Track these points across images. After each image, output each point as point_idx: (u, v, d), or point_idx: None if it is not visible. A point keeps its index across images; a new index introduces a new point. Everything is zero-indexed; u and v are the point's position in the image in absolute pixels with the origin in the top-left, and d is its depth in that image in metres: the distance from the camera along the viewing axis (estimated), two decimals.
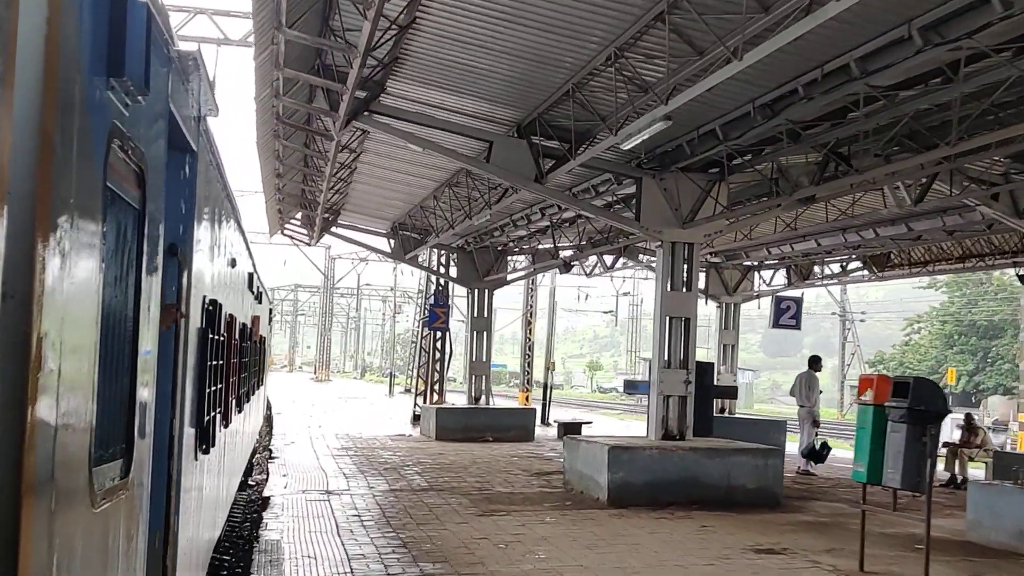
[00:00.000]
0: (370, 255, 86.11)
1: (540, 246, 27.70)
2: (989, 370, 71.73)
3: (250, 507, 16.16)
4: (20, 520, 1.93)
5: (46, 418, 2.10)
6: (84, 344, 2.47)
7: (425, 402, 32.17)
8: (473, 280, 27.94)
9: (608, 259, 28.72)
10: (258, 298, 14.11)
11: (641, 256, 27.94)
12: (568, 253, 27.34)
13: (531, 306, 37.96)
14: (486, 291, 28.04)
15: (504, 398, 60.79)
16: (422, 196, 22.80)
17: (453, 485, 17.19)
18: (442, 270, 29.31)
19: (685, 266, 15.69)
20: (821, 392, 20.84)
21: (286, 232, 28.37)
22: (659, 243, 15.79)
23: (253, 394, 14.68)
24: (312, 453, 22.54)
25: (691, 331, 15.70)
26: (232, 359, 8.57)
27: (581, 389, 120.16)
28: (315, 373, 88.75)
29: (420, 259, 29.47)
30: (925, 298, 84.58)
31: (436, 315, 29.35)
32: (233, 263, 7.96)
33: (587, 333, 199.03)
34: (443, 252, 29.02)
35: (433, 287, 30.21)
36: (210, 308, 5.84)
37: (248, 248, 10.77)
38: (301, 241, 28.82)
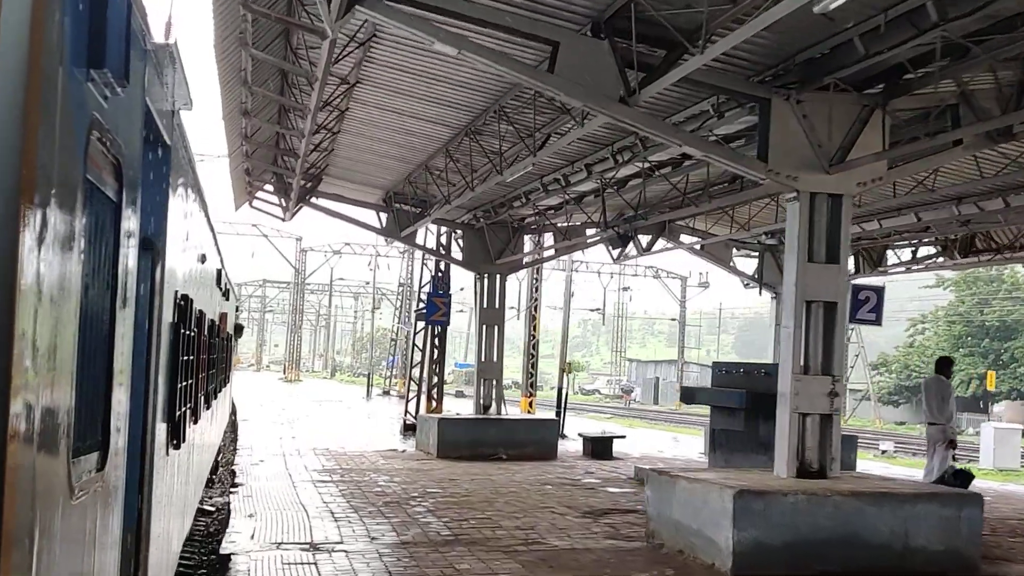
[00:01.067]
0: (344, 247, 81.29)
1: (565, 223, 22.81)
2: (1002, 373, 67.72)
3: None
4: (3, 509, 1.93)
5: (28, 407, 2.08)
6: (63, 336, 2.44)
7: (417, 409, 27.32)
8: (483, 263, 23.04)
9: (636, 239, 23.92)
10: (225, 295, 13.96)
11: (683, 237, 23.20)
12: (592, 231, 22.59)
13: (536, 299, 33.18)
14: (497, 276, 23.16)
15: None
16: (430, 151, 17.92)
17: (486, 534, 12.38)
18: (448, 253, 24.37)
19: (828, 228, 10.98)
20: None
21: (255, 205, 23.39)
22: (792, 195, 11.03)
23: (219, 392, 14.33)
24: (287, 478, 17.66)
25: (838, 322, 10.98)
26: (201, 355, 8.35)
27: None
28: (284, 373, 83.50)
29: (417, 237, 24.49)
30: (900, 295, 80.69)
31: (435, 306, 24.45)
32: (203, 259, 7.93)
33: (559, 333, 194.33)
34: (445, 230, 24.14)
35: (431, 273, 25.27)
36: (181, 303, 5.78)
37: (216, 243, 10.61)
38: (274, 216, 23.80)
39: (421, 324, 27.16)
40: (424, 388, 26.07)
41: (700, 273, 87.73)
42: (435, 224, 23.70)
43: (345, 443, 24.71)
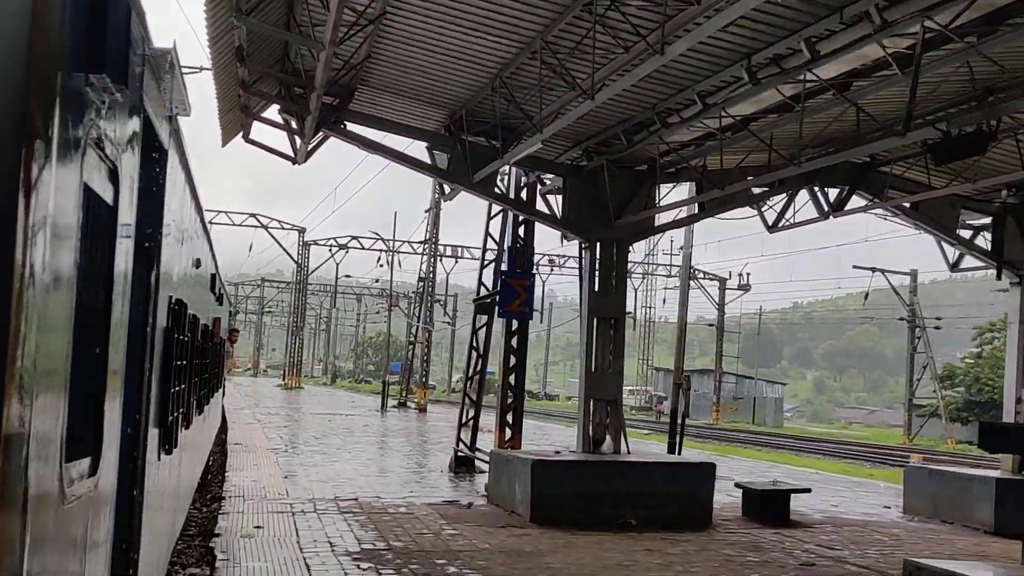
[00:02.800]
0: (351, 241, 73.25)
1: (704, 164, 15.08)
2: None
3: None
4: None
5: (21, 411, 2.06)
6: (58, 340, 2.45)
7: (473, 437, 19.67)
8: (596, 224, 15.35)
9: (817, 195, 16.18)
10: (219, 299, 14.04)
11: (890, 192, 15.50)
12: (749, 186, 14.93)
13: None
14: (615, 245, 15.45)
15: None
16: (540, 25, 10.25)
17: None
18: (532, 208, 16.44)
19: None
20: None
21: (252, 139, 15.69)
22: None
23: (211, 397, 14.01)
24: (301, 569, 10.10)
25: None
26: (194, 360, 8.38)
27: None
28: (284, 379, 75.79)
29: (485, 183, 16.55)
30: (956, 298, 73.12)
31: (512, 291, 16.72)
32: (198, 263, 7.97)
33: (560, 339, 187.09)
34: (527, 178, 16.41)
35: (507, 242, 17.42)
36: (176, 308, 5.83)
37: (211, 248, 10.61)
38: (281, 156, 16.02)
39: (483, 318, 19.45)
40: (498, 413, 18.33)
41: (740, 275, 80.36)
42: (517, 167, 16.02)
43: (378, 487, 17.15)
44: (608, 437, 15.12)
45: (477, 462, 19.69)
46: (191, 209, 6.74)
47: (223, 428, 30.12)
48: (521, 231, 17.12)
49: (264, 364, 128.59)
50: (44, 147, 2.10)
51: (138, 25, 3.23)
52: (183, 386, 6.99)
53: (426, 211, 48.31)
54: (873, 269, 63.45)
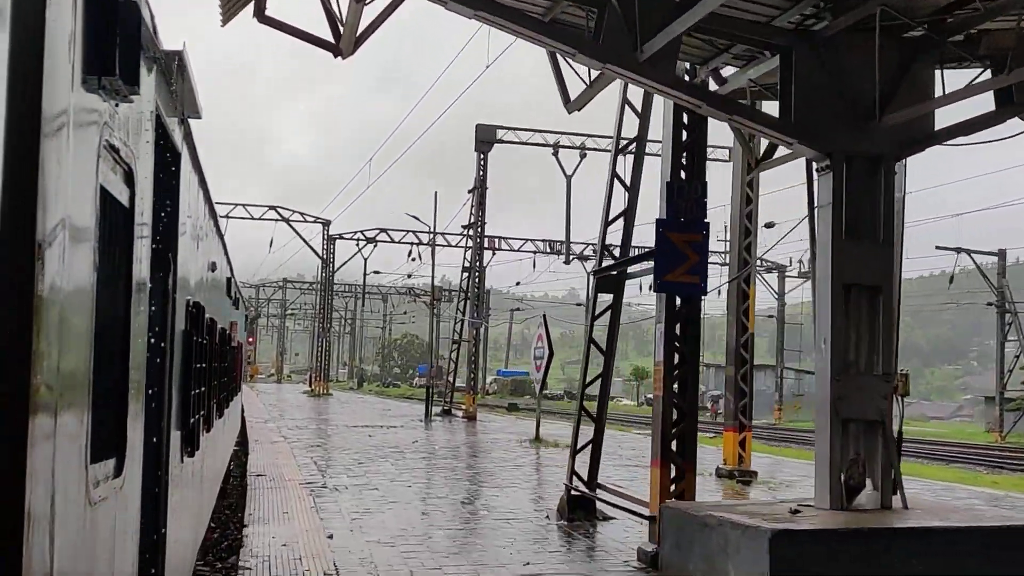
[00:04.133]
0: (380, 234, 67.28)
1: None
2: None
3: None
4: (22, 514, 1.90)
5: (46, 413, 2.06)
6: (80, 343, 2.45)
7: (595, 469, 13.71)
8: (844, 129, 9.20)
9: None
10: (235, 304, 14.19)
11: None
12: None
13: (747, 251, 19.52)
14: (871, 162, 9.36)
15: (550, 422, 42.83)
16: None
17: None
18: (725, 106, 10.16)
19: None
20: None
21: (270, 16, 9.81)
22: None
23: (230, 401, 13.93)
24: None
25: None
26: (213, 363, 8.45)
27: (624, 402, 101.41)
28: (310, 385, 70.03)
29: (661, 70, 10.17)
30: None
31: (676, 252, 10.58)
32: (213, 267, 7.96)
33: (584, 337, 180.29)
34: (704, 71, 10.30)
35: (664, 179, 11.17)
36: (193, 311, 5.77)
37: (226, 251, 10.44)
38: (316, 44, 10.10)
39: (607, 298, 13.44)
40: (661, 443, 12.21)
41: (800, 262, 73.88)
42: (680, 58, 9.94)
43: (471, 553, 11.33)
44: (868, 483, 9.06)
45: (599, 505, 13.80)
46: (205, 212, 6.69)
47: (242, 442, 24.31)
48: (684, 161, 11.05)
49: (288, 369, 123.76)
50: (58, 151, 2.08)
51: (147, 26, 3.22)
52: (203, 389, 6.89)
53: (469, 191, 42.37)
54: (958, 249, 57.13)
